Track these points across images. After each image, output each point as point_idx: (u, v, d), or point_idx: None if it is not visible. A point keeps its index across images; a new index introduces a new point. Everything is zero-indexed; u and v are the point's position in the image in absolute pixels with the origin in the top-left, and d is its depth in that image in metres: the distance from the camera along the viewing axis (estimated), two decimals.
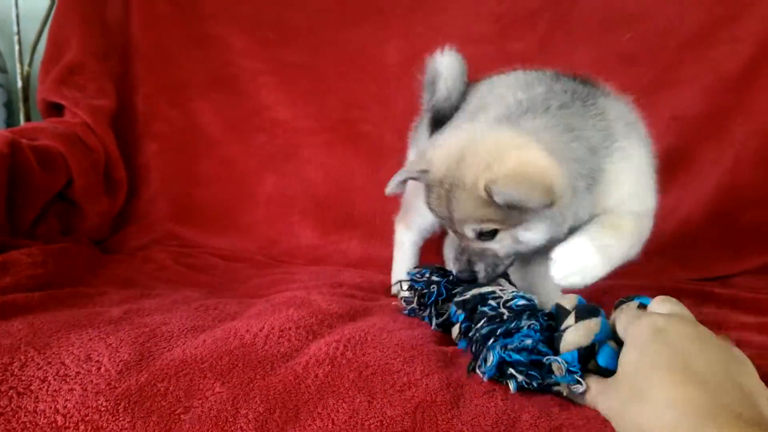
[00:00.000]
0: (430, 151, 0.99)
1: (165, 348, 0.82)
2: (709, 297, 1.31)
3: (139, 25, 1.74)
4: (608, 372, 0.70)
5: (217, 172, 1.75)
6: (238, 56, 1.72)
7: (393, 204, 1.68)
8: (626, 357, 0.65)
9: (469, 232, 0.95)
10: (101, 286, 1.23)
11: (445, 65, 1.25)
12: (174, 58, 1.75)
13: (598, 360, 0.72)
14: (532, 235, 0.94)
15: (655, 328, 0.64)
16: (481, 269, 0.97)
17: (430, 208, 0.99)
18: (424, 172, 0.97)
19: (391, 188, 1.01)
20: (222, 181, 1.74)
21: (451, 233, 1.03)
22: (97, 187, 1.58)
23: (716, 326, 1.06)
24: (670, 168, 1.67)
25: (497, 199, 0.87)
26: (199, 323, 0.95)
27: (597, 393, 0.68)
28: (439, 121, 1.28)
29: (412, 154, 1.43)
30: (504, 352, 0.75)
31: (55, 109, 1.65)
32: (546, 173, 0.88)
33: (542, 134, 0.94)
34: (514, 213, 0.90)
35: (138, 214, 1.74)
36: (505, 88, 1.13)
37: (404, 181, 1.01)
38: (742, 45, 1.65)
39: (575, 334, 0.74)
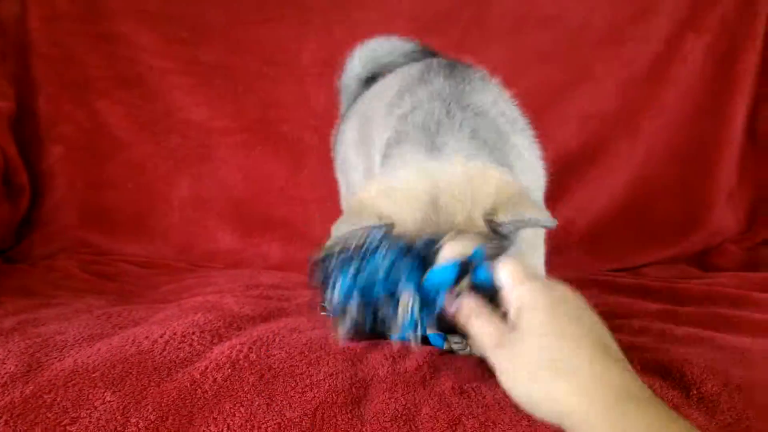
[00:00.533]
0: (371, 204, 0.85)
1: (56, 358, 0.77)
2: (621, 287, 1.36)
3: (38, 22, 1.64)
4: (484, 290, 0.66)
5: (128, 176, 1.68)
6: (146, 54, 1.66)
7: (313, 206, 1.67)
8: (532, 319, 0.59)
9: None
10: None
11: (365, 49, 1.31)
12: (77, 57, 1.66)
13: (477, 275, 0.67)
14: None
15: (559, 296, 0.61)
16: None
17: None
18: (387, 227, 0.82)
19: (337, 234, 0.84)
20: (133, 185, 1.68)
21: None
22: None
23: (627, 315, 1.12)
24: (585, 164, 1.74)
25: (504, 229, 0.82)
26: (98, 331, 0.90)
27: (496, 345, 0.61)
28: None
29: (337, 165, 1.42)
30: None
31: None
32: (523, 189, 0.85)
33: (478, 152, 0.92)
34: (505, 241, 0.85)
35: (43, 220, 1.65)
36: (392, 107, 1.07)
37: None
38: (651, 43, 1.73)
39: (454, 245, 0.70)
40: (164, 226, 1.67)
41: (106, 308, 1.10)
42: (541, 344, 0.57)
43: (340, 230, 0.81)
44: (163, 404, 0.67)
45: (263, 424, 0.65)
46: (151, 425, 0.64)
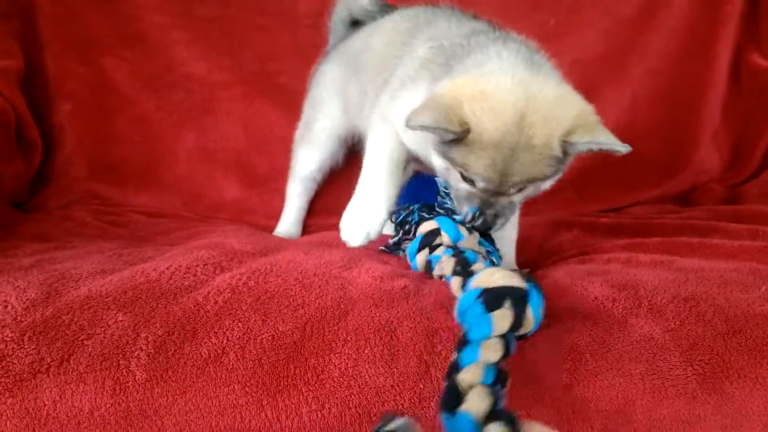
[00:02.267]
0: (457, 105, 0.87)
1: (72, 287, 0.85)
2: (600, 226, 1.41)
3: None
4: None
5: (135, 130, 1.73)
6: (146, 11, 1.69)
7: None
8: None
9: (514, 191, 0.92)
10: (15, 241, 1.23)
11: None
12: (80, 15, 1.70)
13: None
14: (551, 183, 0.97)
15: None
16: (500, 222, 0.96)
17: (474, 171, 0.90)
18: (464, 131, 0.86)
19: (414, 128, 0.87)
20: (140, 139, 1.73)
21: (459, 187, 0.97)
22: (9, 148, 1.55)
23: (599, 249, 1.18)
24: None
25: (575, 149, 0.88)
26: (109, 267, 0.98)
27: None
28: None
29: (306, 102, 1.57)
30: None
31: None
32: (600, 119, 0.91)
33: (553, 74, 0.99)
34: (562, 165, 0.91)
35: (56, 174, 1.71)
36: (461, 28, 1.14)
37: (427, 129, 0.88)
38: None
39: None
40: (171, 178, 1.74)
41: (118, 250, 1.17)
42: None
43: (418, 120, 0.85)
44: (169, 321, 0.75)
45: (258, 336, 0.73)
46: (159, 339, 0.72)
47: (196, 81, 1.72)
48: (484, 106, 0.86)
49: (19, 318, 0.75)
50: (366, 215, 1.05)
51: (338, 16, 1.53)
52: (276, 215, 1.68)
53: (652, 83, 1.75)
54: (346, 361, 0.70)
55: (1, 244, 1.17)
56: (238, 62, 1.72)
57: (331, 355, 0.70)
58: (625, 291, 0.83)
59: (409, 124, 0.86)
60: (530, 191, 0.95)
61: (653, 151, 1.73)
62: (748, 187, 1.66)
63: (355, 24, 1.52)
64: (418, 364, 0.70)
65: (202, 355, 0.70)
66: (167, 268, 0.90)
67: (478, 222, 0.93)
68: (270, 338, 0.72)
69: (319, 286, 0.85)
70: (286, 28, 1.71)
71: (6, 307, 0.77)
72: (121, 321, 0.75)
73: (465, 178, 0.93)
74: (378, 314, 0.77)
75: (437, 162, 0.98)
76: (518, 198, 0.96)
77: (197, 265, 0.93)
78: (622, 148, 0.87)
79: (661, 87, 1.75)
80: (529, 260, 1.25)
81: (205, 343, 0.71)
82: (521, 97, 0.86)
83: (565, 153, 0.89)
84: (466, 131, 0.86)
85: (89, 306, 0.78)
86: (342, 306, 0.79)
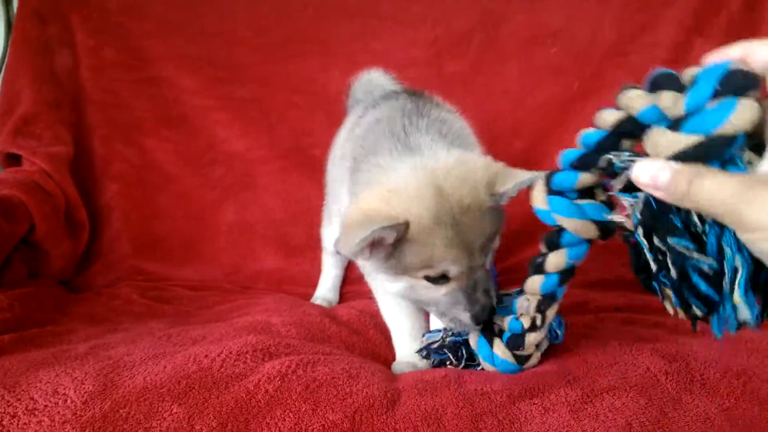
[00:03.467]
0: (377, 211, 0.87)
1: (127, 377, 0.88)
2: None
3: (88, 72, 1.81)
4: None
5: (177, 206, 1.81)
6: (188, 95, 1.80)
7: None
8: None
9: (484, 258, 0.92)
10: (69, 324, 1.28)
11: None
12: (125, 102, 1.81)
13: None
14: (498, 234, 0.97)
15: None
16: (492, 293, 0.93)
17: (438, 260, 0.88)
18: (401, 225, 0.85)
19: (354, 250, 0.85)
20: (182, 214, 1.81)
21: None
22: (58, 230, 1.63)
23: (647, 310, 1.17)
24: None
25: (505, 198, 0.91)
26: (161, 351, 1.01)
27: (745, 189, 0.47)
28: None
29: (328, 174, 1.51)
30: None
31: (13, 160, 1.70)
32: (502, 164, 0.95)
33: (449, 146, 1.01)
34: (503, 213, 0.94)
35: (102, 252, 1.79)
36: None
37: (371, 242, 0.86)
38: (658, 51, 1.78)
39: None
40: (213, 251, 1.80)
41: (166, 330, 1.21)
42: None
43: (348, 240, 0.84)
44: (222, 413, 0.77)
45: (309, 426, 0.75)
46: (214, 430, 0.74)
47: (236, 157, 1.81)
48: (402, 198, 0.88)
49: (78, 413, 0.77)
50: (404, 356, 1.07)
51: (353, 97, 1.55)
52: (313, 283, 1.72)
53: None
54: None
55: (56, 329, 1.22)
56: (275, 139, 1.81)
57: None
58: (676, 363, 0.83)
59: (343, 250, 0.88)
60: (491, 251, 0.95)
61: None
62: None
63: None
64: None
65: None
66: (218, 355, 0.93)
67: (483, 313, 0.90)
68: (320, 428, 0.74)
69: (366, 377, 0.87)
70: (320, 105, 1.79)
71: (66, 401, 0.80)
72: (176, 413, 0.77)
73: (433, 279, 0.90)
74: (423, 402, 0.79)
75: (396, 286, 0.95)
76: (488, 262, 0.95)
77: (246, 352, 0.95)
78: (540, 176, 0.82)
79: None
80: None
81: None
82: (426, 176, 0.90)
83: (500, 204, 0.92)
84: (405, 225, 0.85)
85: (145, 398, 0.80)
86: (389, 395, 0.81)
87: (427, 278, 0.91)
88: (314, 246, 1.79)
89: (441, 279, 0.90)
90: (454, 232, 0.87)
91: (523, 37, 1.82)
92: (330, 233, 1.54)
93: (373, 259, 0.91)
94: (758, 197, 0.45)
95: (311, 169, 1.80)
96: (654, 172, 0.52)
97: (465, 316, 0.91)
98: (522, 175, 0.89)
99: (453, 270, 0.89)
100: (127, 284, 1.70)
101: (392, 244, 0.87)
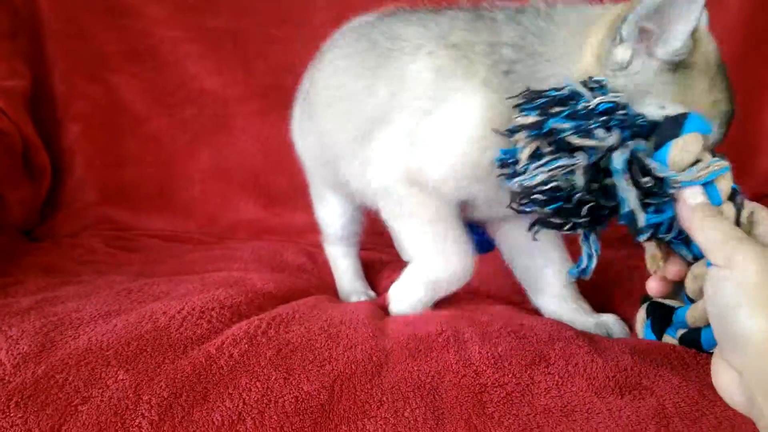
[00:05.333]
0: None
1: (71, 336, 0.76)
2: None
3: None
4: None
5: (147, 150, 1.67)
6: (156, 25, 1.62)
7: None
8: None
9: None
10: (19, 275, 1.16)
11: None
12: (88, 32, 1.64)
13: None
14: None
15: None
16: None
17: (717, 108, 0.74)
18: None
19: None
20: (153, 159, 1.67)
21: None
22: (15, 172, 1.50)
23: None
24: None
25: None
26: (115, 308, 0.89)
27: (739, 237, 0.55)
28: None
29: None
30: None
31: None
32: None
33: None
34: None
35: (66, 200, 1.66)
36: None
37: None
38: None
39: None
40: (186, 199, 1.67)
41: (127, 283, 1.09)
42: None
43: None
44: (177, 381, 0.65)
45: (280, 397, 0.62)
46: (164, 402, 0.62)
47: (209, 96, 1.65)
48: None
49: (7, 378, 0.65)
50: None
51: None
52: (296, 234, 1.60)
53: None
54: (384, 426, 0.59)
55: (4, 280, 1.09)
56: (251, 75, 1.65)
57: (365, 420, 0.59)
58: None
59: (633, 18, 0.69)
60: None
61: None
62: None
63: None
64: (467, 430, 0.59)
65: (214, 422, 0.60)
66: (178, 312, 0.81)
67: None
68: (293, 400, 0.62)
69: (348, 336, 0.75)
70: (302, 38, 1.61)
71: None
72: (122, 381, 0.65)
73: None
74: (417, 367, 0.67)
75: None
76: None
77: (212, 308, 0.83)
78: None
79: None
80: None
81: (219, 407, 0.61)
82: None
83: None
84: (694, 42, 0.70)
85: (87, 362, 0.68)
86: (375, 359, 0.69)
87: None
88: (297, 195, 1.66)
89: None
90: (725, 82, 0.76)
91: None
92: (328, 213, 1.26)
93: (637, 67, 0.73)
94: (747, 244, 0.52)
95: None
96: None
97: None
98: None
99: (719, 132, 0.76)
100: (92, 233, 1.58)
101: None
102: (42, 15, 1.65)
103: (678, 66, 0.71)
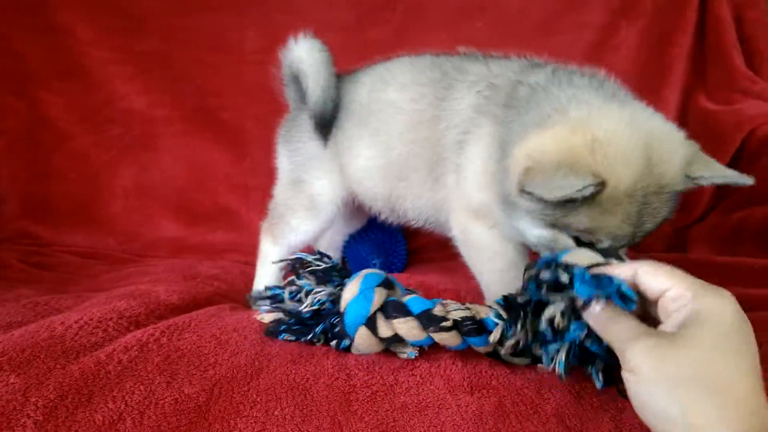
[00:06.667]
0: (583, 159, 0.75)
1: None
2: None
3: None
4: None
5: (71, 166, 1.67)
6: (85, 45, 1.64)
7: (256, 194, 1.67)
8: (706, 333, 0.53)
9: (640, 239, 0.82)
10: None
11: (307, 62, 1.18)
12: (17, 49, 1.65)
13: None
14: None
15: (739, 319, 0.54)
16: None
17: (606, 232, 0.78)
18: (598, 185, 0.73)
19: (553, 196, 0.74)
20: (76, 176, 1.67)
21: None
22: None
23: None
24: None
25: (702, 183, 0.80)
26: (18, 319, 0.92)
27: (635, 337, 0.55)
28: (326, 124, 1.19)
29: (284, 158, 1.30)
30: None
31: None
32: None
33: (642, 104, 0.89)
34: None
35: None
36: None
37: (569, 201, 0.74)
38: (585, 32, 1.76)
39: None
40: (108, 216, 1.68)
41: (34, 297, 1.11)
42: (705, 358, 0.51)
43: (549, 184, 0.73)
44: (64, 384, 0.69)
45: (161, 400, 0.68)
46: (50, 403, 0.66)
47: (136, 116, 1.68)
48: (609, 154, 0.75)
49: None
50: None
51: (296, 65, 1.25)
52: (214, 254, 1.63)
53: None
54: (253, 424, 0.65)
55: None
56: (179, 98, 1.68)
57: (237, 419, 0.65)
58: None
59: (538, 190, 0.74)
60: None
61: None
62: (694, 230, 1.67)
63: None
64: (332, 425, 0.65)
65: (95, 422, 0.64)
66: (76, 322, 0.85)
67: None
68: (173, 402, 0.67)
69: (236, 343, 0.80)
70: (230, 64, 1.68)
71: None
72: (12, 384, 0.69)
73: (582, 242, 0.81)
74: (294, 371, 0.73)
75: (536, 233, 0.85)
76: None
77: (110, 318, 0.88)
78: (748, 181, 0.80)
79: None
80: None
81: (101, 408, 0.66)
82: (640, 136, 0.77)
83: (685, 188, 0.82)
84: (601, 185, 0.73)
85: None
86: (257, 364, 0.75)
87: (577, 239, 0.81)
88: (219, 215, 1.70)
89: (589, 243, 0.81)
90: (636, 210, 0.77)
91: (450, 8, 1.76)
92: (301, 224, 1.24)
93: (534, 204, 0.81)
94: (638, 343, 0.54)
95: (218, 133, 1.70)
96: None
97: None
98: (723, 170, 0.81)
99: (605, 245, 0.79)
100: (8, 247, 1.57)
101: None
102: None
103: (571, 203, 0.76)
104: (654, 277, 0.59)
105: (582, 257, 0.68)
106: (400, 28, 1.76)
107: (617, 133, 0.77)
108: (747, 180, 0.80)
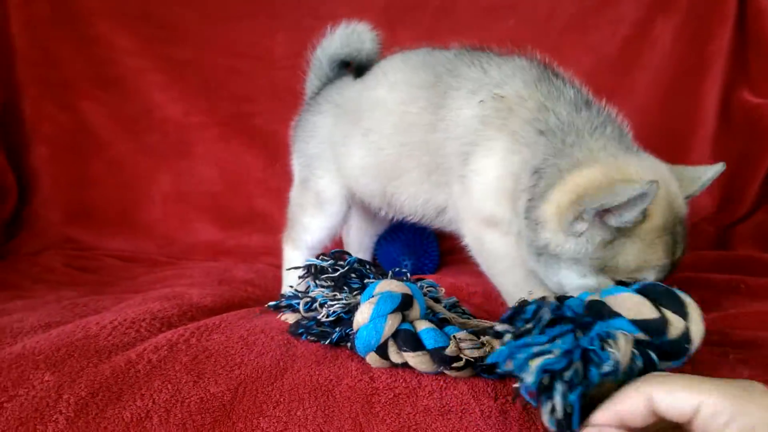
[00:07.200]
0: (626, 176, 0.81)
1: (8, 343, 0.82)
2: None
3: (19, 27, 1.70)
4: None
5: (111, 173, 1.73)
6: (124, 55, 1.70)
7: None
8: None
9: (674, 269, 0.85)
10: None
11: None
12: (58, 60, 1.72)
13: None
14: None
15: None
16: None
17: (652, 266, 0.80)
18: (642, 217, 0.78)
19: (615, 202, 0.75)
20: (116, 182, 1.73)
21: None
22: None
23: None
24: None
25: (695, 194, 0.89)
26: (57, 319, 0.95)
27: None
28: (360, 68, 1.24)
29: (295, 159, 1.34)
30: None
31: None
32: None
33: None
34: None
35: (31, 219, 1.71)
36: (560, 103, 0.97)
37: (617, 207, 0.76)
38: (619, 27, 1.73)
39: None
40: (147, 221, 1.73)
41: (75, 299, 1.15)
42: None
43: (615, 192, 0.76)
44: (95, 382, 0.71)
45: (187, 398, 0.69)
46: (81, 401, 0.68)
47: (172, 123, 1.73)
48: (646, 195, 0.76)
49: None
50: None
51: (330, 50, 1.32)
52: (250, 257, 1.65)
53: (639, 123, 1.71)
54: (275, 424, 0.65)
55: None
56: (214, 105, 1.73)
57: (260, 418, 0.66)
58: None
59: (595, 204, 0.76)
60: None
61: None
62: (739, 228, 1.62)
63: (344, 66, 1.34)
64: (353, 426, 0.65)
65: (124, 419, 0.66)
66: (110, 322, 0.87)
67: None
68: (198, 401, 0.68)
69: (263, 344, 0.81)
70: (262, 70, 1.71)
71: None
72: (47, 381, 0.71)
73: (622, 282, 0.77)
74: (318, 372, 0.73)
75: (580, 282, 0.84)
76: None
77: (143, 319, 0.90)
78: (718, 167, 0.91)
79: (647, 127, 1.71)
80: None
81: (130, 405, 0.67)
82: (656, 175, 0.81)
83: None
84: (644, 216, 0.78)
85: (18, 364, 0.74)
86: (281, 364, 0.75)
87: (620, 281, 0.79)
88: (254, 219, 1.73)
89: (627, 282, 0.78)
90: (673, 241, 0.81)
91: (480, 7, 1.75)
92: (314, 223, 1.27)
93: (584, 240, 0.81)
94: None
95: (251, 139, 1.73)
96: None
97: None
98: (698, 174, 0.90)
99: (650, 278, 0.80)
100: (54, 253, 1.63)
101: (617, 230, 0.79)
102: (14, 42, 1.72)
103: (619, 234, 0.79)
104: (672, 396, 0.51)
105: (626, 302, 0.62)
106: (431, 29, 1.76)
107: (639, 173, 0.83)
108: (716, 167, 0.89)
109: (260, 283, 1.37)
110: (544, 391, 0.56)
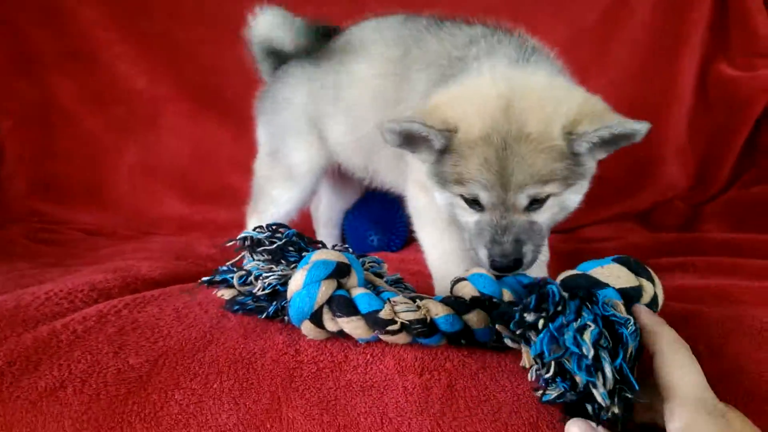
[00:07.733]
0: (438, 110, 0.82)
1: None
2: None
3: None
4: None
5: (77, 146, 1.71)
6: (90, 27, 1.67)
7: None
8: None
9: (524, 199, 0.80)
10: None
11: (267, 27, 1.24)
12: (24, 32, 1.69)
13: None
14: (576, 197, 0.86)
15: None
16: (528, 251, 0.81)
17: (469, 178, 0.80)
18: (449, 131, 0.79)
19: (387, 138, 0.82)
20: (83, 155, 1.71)
21: (466, 214, 0.86)
22: None
23: None
24: None
25: (582, 145, 0.78)
26: None
27: (694, 403, 0.53)
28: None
29: (261, 129, 1.32)
30: None
31: None
32: (609, 107, 0.83)
33: (547, 68, 0.91)
34: (578, 167, 0.81)
35: None
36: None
37: (408, 135, 0.81)
38: None
39: None
40: (114, 195, 1.71)
41: (28, 270, 1.13)
42: None
43: (401, 125, 0.79)
44: (15, 351, 0.70)
45: (104, 369, 0.68)
46: None
47: (139, 96, 1.70)
48: (464, 103, 0.81)
49: None
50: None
51: (259, 38, 1.32)
52: (218, 230, 1.63)
53: (614, 96, 1.67)
54: (190, 396, 0.64)
55: None
56: (182, 77, 1.70)
57: (176, 390, 0.65)
58: None
59: (385, 129, 0.80)
60: (554, 208, 0.84)
61: (615, 168, 1.66)
62: (710, 205, 1.59)
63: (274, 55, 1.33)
64: (270, 400, 0.64)
65: (38, 389, 0.65)
66: (45, 293, 0.86)
67: (502, 259, 0.79)
68: (116, 372, 0.67)
69: (195, 316, 0.80)
70: (233, 43, 1.66)
71: None
72: None
73: (468, 201, 0.83)
74: (243, 345, 0.72)
75: (441, 198, 0.88)
76: (539, 217, 0.83)
77: (81, 290, 0.89)
78: (638, 126, 0.77)
79: (623, 100, 1.68)
80: None
81: (46, 375, 0.66)
82: (504, 88, 0.81)
83: (576, 150, 0.79)
84: (453, 131, 0.80)
85: None
86: (208, 336, 0.74)
87: (463, 198, 0.84)
88: (223, 193, 1.71)
89: (475, 204, 0.83)
90: (496, 155, 0.78)
91: None
92: (283, 195, 1.25)
93: (422, 157, 0.86)
94: (697, 415, 0.52)
95: (221, 113, 1.70)
96: None
97: (483, 253, 0.82)
98: (610, 120, 0.78)
99: (483, 197, 0.81)
100: (18, 226, 1.61)
101: (439, 149, 0.82)
102: None
103: (443, 152, 0.82)
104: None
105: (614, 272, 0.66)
106: None
107: (480, 86, 0.84)
108: (637, 125, 0.77)
109: (222, 258, 1.35)
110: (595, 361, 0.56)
